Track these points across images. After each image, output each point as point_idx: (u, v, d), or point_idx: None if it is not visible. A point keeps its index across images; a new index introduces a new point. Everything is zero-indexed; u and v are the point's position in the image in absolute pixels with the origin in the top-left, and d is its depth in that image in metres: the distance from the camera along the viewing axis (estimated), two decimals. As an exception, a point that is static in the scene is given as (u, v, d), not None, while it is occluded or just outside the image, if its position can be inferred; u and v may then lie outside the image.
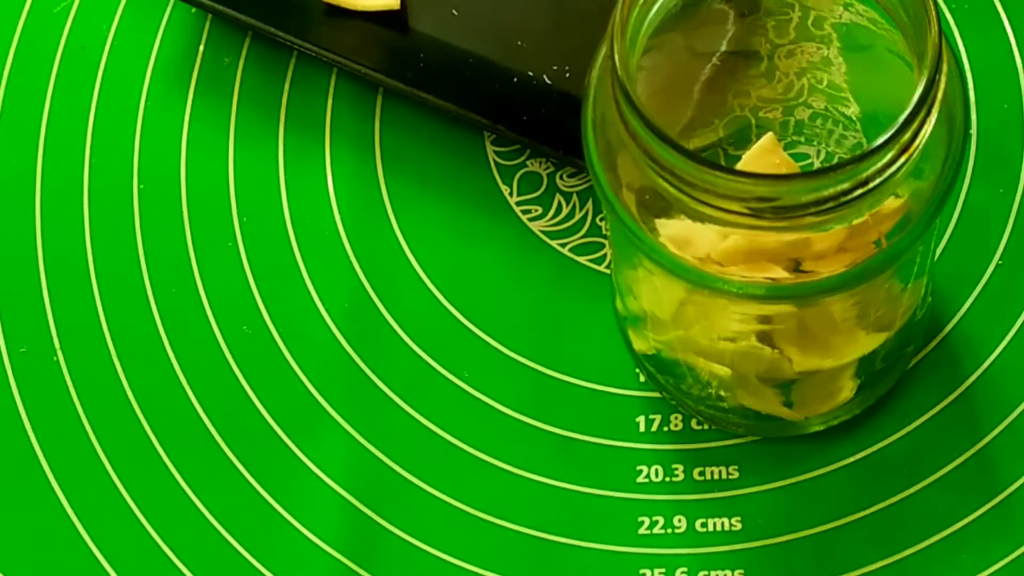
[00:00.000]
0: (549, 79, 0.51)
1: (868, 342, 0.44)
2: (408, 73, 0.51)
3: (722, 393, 0.46)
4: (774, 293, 0.40)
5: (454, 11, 0.52)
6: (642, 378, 0.49)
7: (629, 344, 0.48)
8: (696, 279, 0.40)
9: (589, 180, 0.51)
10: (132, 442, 0.50)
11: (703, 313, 0.44)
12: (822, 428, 0.47)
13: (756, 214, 0.37)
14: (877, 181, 0.37)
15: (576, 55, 0.50)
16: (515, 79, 0.51)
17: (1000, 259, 0.50)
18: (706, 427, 0.48)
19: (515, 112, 0.51)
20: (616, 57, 0.38)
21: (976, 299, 0.49)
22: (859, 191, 0.37)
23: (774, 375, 0.45)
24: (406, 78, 0.51)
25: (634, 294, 0.46)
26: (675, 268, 0.40)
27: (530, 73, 0.51)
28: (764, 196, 0.37)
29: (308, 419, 0.50)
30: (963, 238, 0.50)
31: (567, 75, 0.51)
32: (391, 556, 0.48)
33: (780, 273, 0.40)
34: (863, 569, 0.47)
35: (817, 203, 0.37)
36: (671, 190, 0.38)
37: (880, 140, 0.37)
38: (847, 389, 0.46)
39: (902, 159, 0.37)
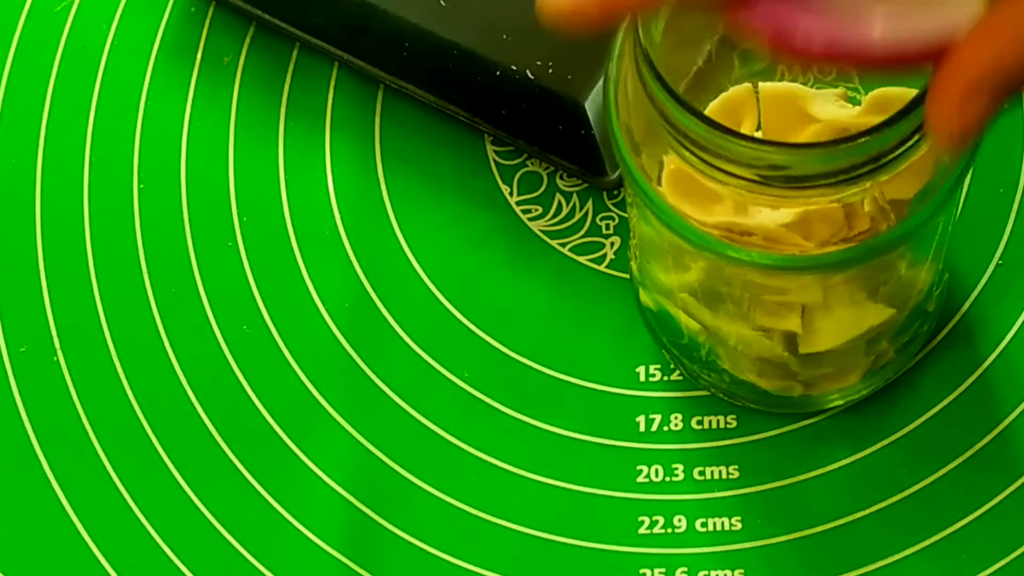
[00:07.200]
0: (529, 73, 0.50)
1: (877, 314, 0.44)
2: (391, 63, 0.51)
3: (728, 367, 0.46)
4: (789, 264, 0.39)
5: (442, 2, 0.51)
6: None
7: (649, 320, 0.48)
8: (704, 244, 0.39)
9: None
10: (132, 442, 0.50)
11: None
12: (830, 407, 0.47)
13: (766, 182, 0.36)
14: (891, 156, 0.36)
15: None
16: (517, 76, 0.51)
17: (1000, 259, 0.50)
18: (706, 427, 0.48)
19: (519, 116, 0.50)
20: (640, 29, 0.37)
21: (975, 299, 0.49)
22: (870, 165, 0.36)
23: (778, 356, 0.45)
24: (389, 67, 0.51)
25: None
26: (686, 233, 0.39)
27: (531, 73, 0.51)
28: (776, 164, 0.36)
29: (308, 419, 0.50)
30: (963, 238, 0.50)
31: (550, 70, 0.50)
32: (391, 556, 0.48)
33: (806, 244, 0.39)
34: (863, 569, 0.47)
35: (827, 175, 0.36)
36: (684, 153, 0.37)
37: (895, 113, 0.36)
38: (857, 369, 0.46)
39: (916, 136, 0.36)
